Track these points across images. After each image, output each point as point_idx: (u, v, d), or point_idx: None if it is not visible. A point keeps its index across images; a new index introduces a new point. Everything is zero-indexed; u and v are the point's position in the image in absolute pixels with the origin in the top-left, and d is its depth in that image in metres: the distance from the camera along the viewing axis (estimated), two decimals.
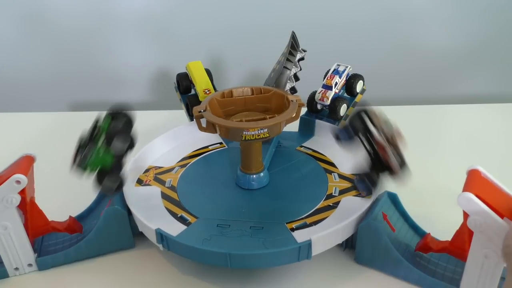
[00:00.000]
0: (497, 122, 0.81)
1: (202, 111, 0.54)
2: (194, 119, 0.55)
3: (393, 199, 0.53)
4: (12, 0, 0.89)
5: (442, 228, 0.55)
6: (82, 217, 0.59)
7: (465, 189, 0.42)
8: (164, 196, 0.57)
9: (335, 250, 0.50)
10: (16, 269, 0.53)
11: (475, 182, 0.43)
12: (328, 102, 0.66)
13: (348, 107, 0.67)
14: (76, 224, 0.55)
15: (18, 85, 0.98)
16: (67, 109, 1.00)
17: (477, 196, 0.41)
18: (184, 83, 0.73)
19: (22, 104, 0.99)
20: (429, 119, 0.83)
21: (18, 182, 0.48)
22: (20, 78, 0.97)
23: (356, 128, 0.48)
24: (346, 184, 0.57)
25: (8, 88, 0.98)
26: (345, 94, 0.68)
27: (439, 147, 0.74)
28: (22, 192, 0.49)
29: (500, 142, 0.74)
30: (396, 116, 0.84)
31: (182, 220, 0.53)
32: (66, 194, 0.67)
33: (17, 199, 0.49)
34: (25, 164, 0.51)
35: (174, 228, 0.50)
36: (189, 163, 0.64)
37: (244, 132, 0.50)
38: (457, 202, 0.41)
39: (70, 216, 0.55)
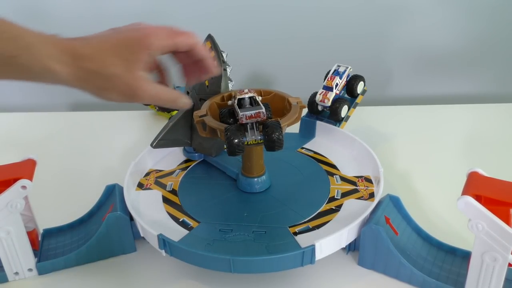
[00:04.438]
0: (497, 122, 0.81)
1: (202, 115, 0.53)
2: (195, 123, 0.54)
3: (396, 202, 0.53)
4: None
5: (445, 230, 0.55)
6: (82, 220, 0.58)
7: (465, 191, 0.42)
8: (165, 200, 0.57)
9: (339, 253, 0.50)
10: (16, 273, 0.52)
11: (475, 182, 0.43)
12: (329, 104, 0.65)
13: (349, 108, 0.67)
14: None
15: (18, 85, 0.97)
16: (67, 109, 0.99)
17: (478, 195, 0.42)
18: None
19: (23, 104, 0.98)
20: (429, 119, 0.83)
21: (23, 187, 0.48)
22: None
23: None
24: (349, 187, 0.57)
25: (8, 88, 0.98)
26: (346, 95, 0.68)
27: (439, 148, 0.74)
28: None
29: (500, 142, 0.74)
30: (396, 116, 0.85)
31: (184, 225, 0.52)
32: (66, 195, 0.67)
33: (22, 204, 0.49)
34: (29, 168, 0.50)
35: (176, 233, 0.50)
36: (189, 165, 0.63)
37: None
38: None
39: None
